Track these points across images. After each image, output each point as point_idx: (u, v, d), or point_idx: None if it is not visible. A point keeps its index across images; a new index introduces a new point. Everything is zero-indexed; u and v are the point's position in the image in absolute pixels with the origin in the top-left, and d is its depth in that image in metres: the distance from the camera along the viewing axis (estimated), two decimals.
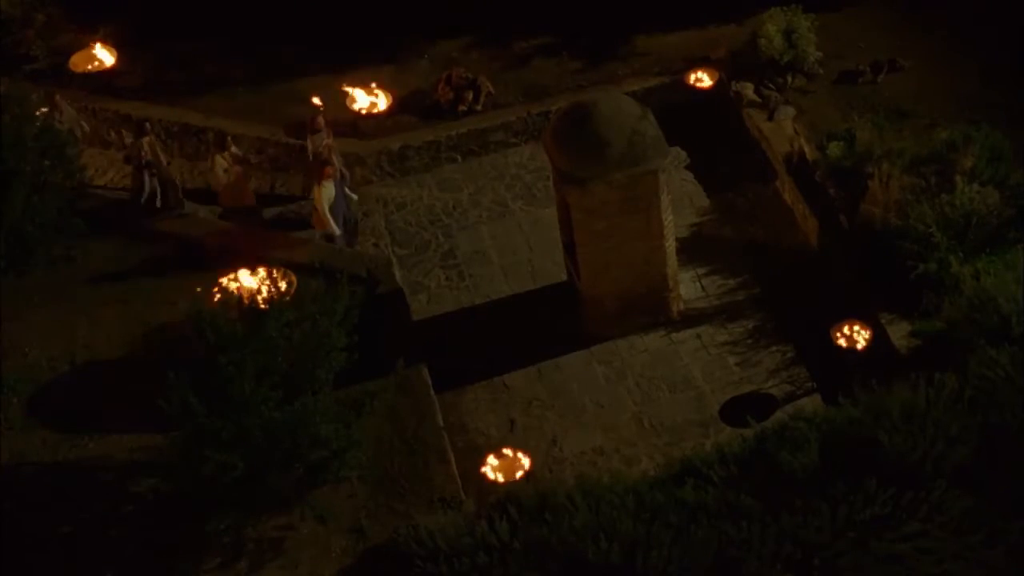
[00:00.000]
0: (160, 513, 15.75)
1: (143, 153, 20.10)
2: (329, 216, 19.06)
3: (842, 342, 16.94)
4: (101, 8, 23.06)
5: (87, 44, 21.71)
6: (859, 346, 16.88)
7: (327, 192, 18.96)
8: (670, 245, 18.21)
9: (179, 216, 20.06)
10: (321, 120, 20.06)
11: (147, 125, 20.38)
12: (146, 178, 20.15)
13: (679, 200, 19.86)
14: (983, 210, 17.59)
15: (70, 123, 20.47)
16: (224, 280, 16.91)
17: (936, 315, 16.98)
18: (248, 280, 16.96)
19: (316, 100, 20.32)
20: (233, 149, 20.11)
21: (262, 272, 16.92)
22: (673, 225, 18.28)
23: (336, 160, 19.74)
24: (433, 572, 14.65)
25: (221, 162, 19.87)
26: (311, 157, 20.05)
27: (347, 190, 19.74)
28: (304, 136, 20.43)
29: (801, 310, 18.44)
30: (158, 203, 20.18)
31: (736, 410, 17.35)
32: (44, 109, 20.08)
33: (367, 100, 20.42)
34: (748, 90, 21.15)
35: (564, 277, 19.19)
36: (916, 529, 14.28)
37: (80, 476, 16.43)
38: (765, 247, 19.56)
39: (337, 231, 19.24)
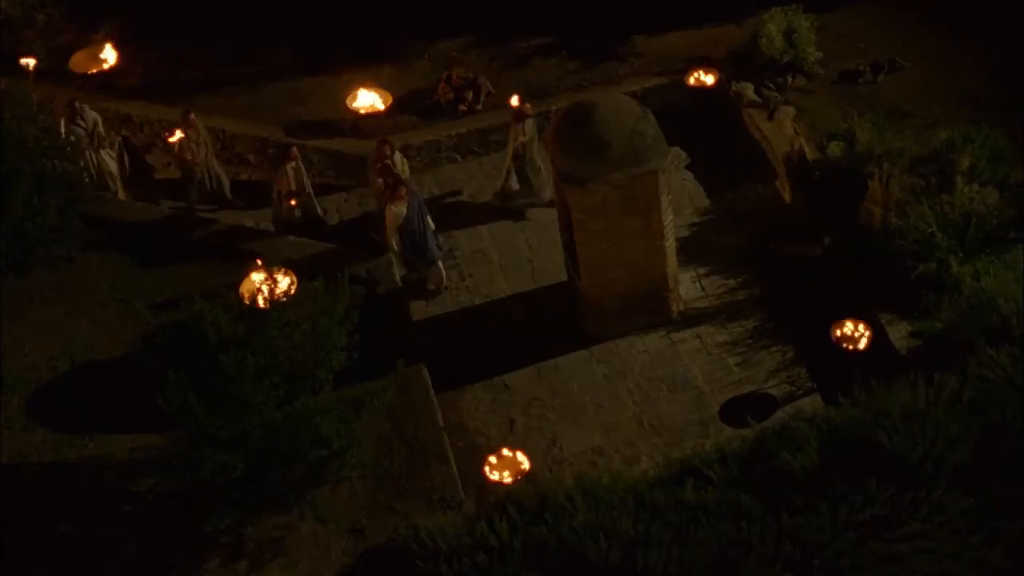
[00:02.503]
0: (160, 513, 15.76)
1: (287, 181, 19.67)
2: (394, 235, 18.80)
3: (842, 342, 16.94)
4: (101, 8, 23.07)
5: (87, 44, 21.78)
6: (859, 346, 16.87)
7: (397, 212, 18.62)
8: (670, 245, 18.21)
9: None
10: (528, 107, 19.96)
11: (293, 149, 19.83)
12: (286, 205, 19.78)
13: (679, 200, 19.85)
14: (983, 210, 17.60)
15: (204, 143, 20.36)
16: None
17: (936, 315, 16.98)
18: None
19: (515, 100, 20.14)
20: (397, 156, 19.43)
21: (262, 272, 16.91)
22: (673, 225, 18.28)
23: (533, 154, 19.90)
24: (433, 572, 14.65)
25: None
26: (520, 150, 19.94)
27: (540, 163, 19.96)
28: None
29: (801, 310, 18.43)
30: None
31: (736, 410, 17.34)
32: (174, 134, 20.13)
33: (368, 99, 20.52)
34: (748, 90, 21.14)
35: (564, 277, 19.18)
36: (916, 529, 14.28)
37: (80, 476, 16.44)
38: (765, 247, 19.55)
39: (396, 248, 18.91)
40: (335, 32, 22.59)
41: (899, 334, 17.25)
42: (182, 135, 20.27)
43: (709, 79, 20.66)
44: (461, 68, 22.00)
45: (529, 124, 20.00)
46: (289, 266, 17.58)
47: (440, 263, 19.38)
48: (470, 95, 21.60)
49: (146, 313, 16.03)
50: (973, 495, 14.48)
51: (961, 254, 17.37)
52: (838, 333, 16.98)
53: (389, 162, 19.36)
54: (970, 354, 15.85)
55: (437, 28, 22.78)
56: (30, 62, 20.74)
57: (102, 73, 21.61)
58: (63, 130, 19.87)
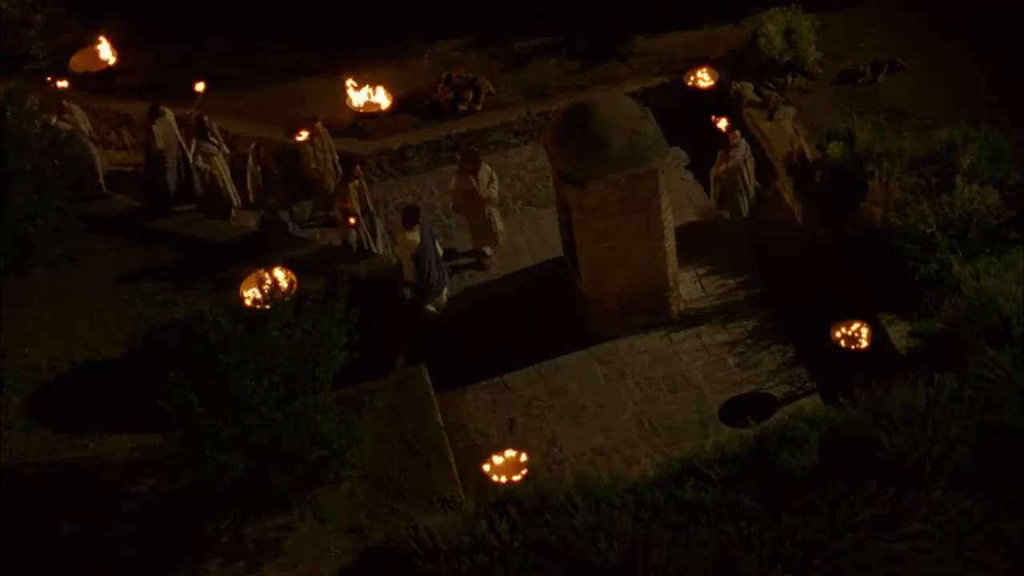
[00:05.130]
0: (160, 513, 15.76)
1: (348, 200, 19.09)
2: (410, 264, 18.59)
3: (842, 342, 16.94)
4: (101, 8, 23.06)
5: (88, 43, 21.78)
6: (859, 346, 16.87)
7: (411, 239, 18.41)
8: (670, 245, 18.21)
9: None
10: (738, 134, 19.30)
11: (357, 167, 19.21)
12: (348, 228, 19.17)
13: (679, 200, 19.84)
14: (983, 210, 17.59)
15: (331, 152, 20.18)
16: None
17: (936, 315, 16.98)
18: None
19: (723, 122, 19.52)
20: (482, 173, 19.04)
21: (263, 272, 16.92)
22: (673, 225, 18.28)
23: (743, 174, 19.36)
24: (433, 572, 14.65)
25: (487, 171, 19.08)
26: (722, 175, 19.27)
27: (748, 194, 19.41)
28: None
29: (801, 310, 18.43)
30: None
31: (736, 410, 17.35)
32: (301, 137, 19.89)
33: (365, 98, 20.49)
34: (748, 90, 21.14)
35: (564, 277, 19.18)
36: (916, 529, 14.29)
37: (80, 476, 16.43)
38: (765, 247, 19.55)
39: (412, 278, 18.71)
40: (335, 32, 22.58)
41: (899, 334, 17.25)
42: (305, 140, 19.96)
43: (709, 79, 20.65)
44: (461, 68, 22.00)
45: (738, 150, 19.35)
46: (290, 266, 17.62)
47: (445, 290, 19.21)
48: (470, 95, 21.60)
49: (146, 313, 16.03)
50: (973, 495, 14.49)
51: (961, 254, 17.37)
52: (838, 333, 16.98)
53: (472, 179, 19.13)
54: (970, 354, 15.85)
55: (437, 28, 22.79)
56: (200, 85, 20.56)
57: (102, 72, 21.60)
58: (192, 146, 19.91)
